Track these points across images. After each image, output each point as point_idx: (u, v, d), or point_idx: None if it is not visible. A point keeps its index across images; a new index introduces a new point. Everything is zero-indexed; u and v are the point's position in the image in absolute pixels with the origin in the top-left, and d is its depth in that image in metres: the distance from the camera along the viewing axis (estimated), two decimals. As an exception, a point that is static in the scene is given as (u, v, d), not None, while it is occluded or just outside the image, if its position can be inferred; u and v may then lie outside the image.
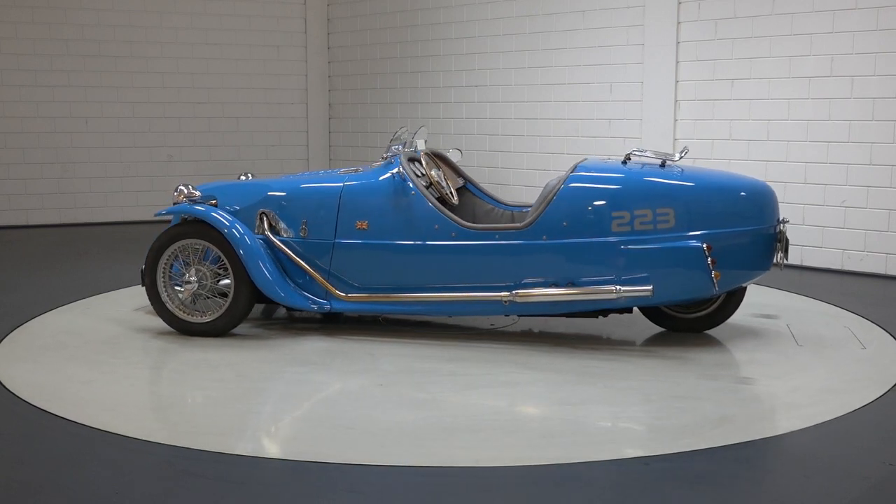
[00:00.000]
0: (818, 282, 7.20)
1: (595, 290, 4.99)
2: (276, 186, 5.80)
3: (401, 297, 5.33)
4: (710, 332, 5.49)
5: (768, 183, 5.44)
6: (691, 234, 4.92)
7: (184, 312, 5.52)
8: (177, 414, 4.28)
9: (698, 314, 5.45)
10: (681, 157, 5.23)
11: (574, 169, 5.20)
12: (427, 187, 5.51)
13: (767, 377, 4.69)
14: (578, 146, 8.87)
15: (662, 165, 5.15)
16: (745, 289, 5.38)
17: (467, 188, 6.14)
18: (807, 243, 7.68)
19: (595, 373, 4.77)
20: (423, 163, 5.61)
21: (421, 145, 6.00)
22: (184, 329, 5.51)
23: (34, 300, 6.44)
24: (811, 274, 7.51)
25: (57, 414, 4.14)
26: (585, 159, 5.42)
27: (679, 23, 8.23)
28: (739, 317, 5.66)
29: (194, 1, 10.83)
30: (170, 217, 5.82)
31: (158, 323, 5.75)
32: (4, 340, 5.42)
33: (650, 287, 4.89)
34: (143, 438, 3.84)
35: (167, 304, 5.52)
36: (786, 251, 5.18)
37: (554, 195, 5.09)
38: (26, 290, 6.88)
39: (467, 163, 7.87)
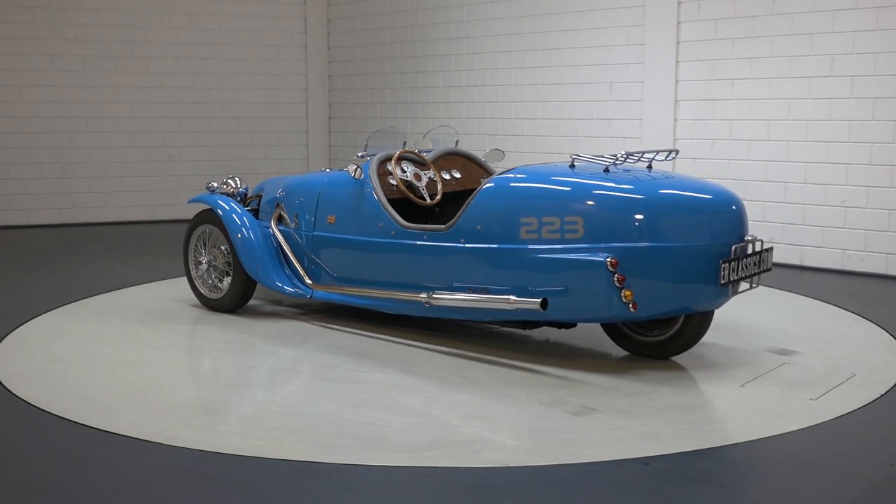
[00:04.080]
0: (818, 282, 7.20)
1: (492, 300, 4.74)
2: (290, 181, 6.18)
3: (352, 290, 5.54)
4: (678, 358, 4.98)
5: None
6: (599, 246, 4.46)
7: (206, 289, 6.23)
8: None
9: (656, 338, 4.94)
10: (624, 161, 4.77)
11: (504, 172, 5.03)
12: (407, 187, 5.63)
13: (613, 410, 4.20)
14: (578, 146, 8.87)
15: (606, 171, 4.72)
16: (709, 314, 4.84)
17: None
18: (807, 243, 7.68)
19: (462, 384, 4.59)
20: (393, 162, 5.68)
21: (428, 144, 6.07)
22: (205, 303, 6.24)
23: (34, 300, 6.44)
24: (811, 274, 7.51)
25: (57, 414, 4.14)
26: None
27: (679, 23, 8.23)
28: (744, 346, 5.22)
29: (194, 1, 10.83)
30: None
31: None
32: (4, 340, 5.42)
33: (539, 300, 4.54)
34: (143, 438, 3.84)
35: (195, 281, 6.28)
36: (750, 275, 4.66)
37: (473, 198, 4.95)
38: (26, 289, 6.89)
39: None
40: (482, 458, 3.66)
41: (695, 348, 5.07)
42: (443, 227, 5.07)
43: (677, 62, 8.26)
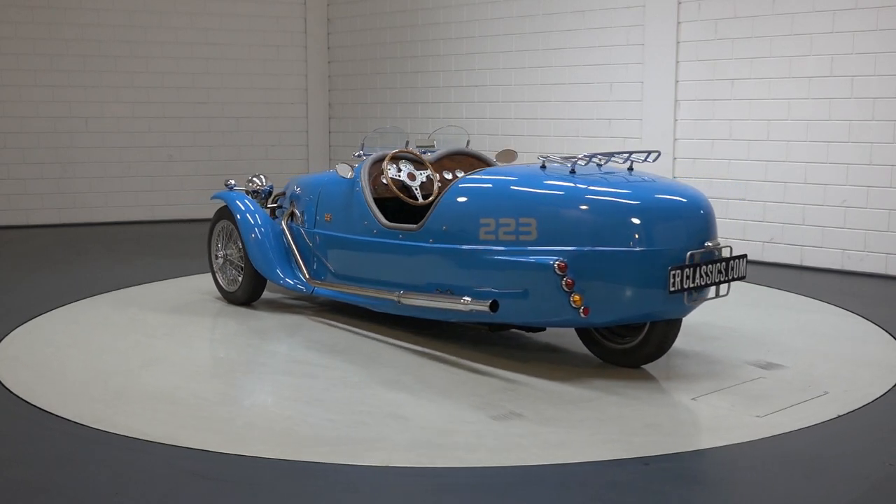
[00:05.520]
0: (818, 282, 7.20)
1: (448, 300, 4.74)
2: (301, 180, 6.32)
3: (346, 287, 5.64)
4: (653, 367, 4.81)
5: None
6: (551, 249, 4.37)
7: (225, 282, 6.44)
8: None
9: (623, 346, 4.75)
10: (588, 162, 4.66)
11: (472, 172, 5.03)
12: (400, 187, 5.71)
13: (538, 417, 4.10)
14: (578, 146, 8.86)
15: (572, 172, 4.56)
16: (674, 322, 4.62)
17: None
18: (807, 243, 7.68)
19: (408, 382, 4.59)
20: (386, 161, 5.74)
21: (433, 144, 6.13)
22: (224, 296, 6.43)
23: (34, 300, 6.44)
24: (811, 274, 7.51)
25: (57, 414, 4.14)
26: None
27: (679, 23, 8.23)
28: (729, 356, 5.00)
29: (194, 1, 10.83)
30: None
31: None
32: (4, 340, 5.42)
33: (489, 302, 4.50)
34: (143, 438, 3.84)
35: (217, 275, 6.50)
36: (714, 283, 4.42)
37: (440, 198, 4.96)
38: (26, 290, 6.89)
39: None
40: (373, 457, 3.65)
41: (675, 358, 4.96)
42: (414, 226, 5.11)
43: (677, 62, 8.26)
